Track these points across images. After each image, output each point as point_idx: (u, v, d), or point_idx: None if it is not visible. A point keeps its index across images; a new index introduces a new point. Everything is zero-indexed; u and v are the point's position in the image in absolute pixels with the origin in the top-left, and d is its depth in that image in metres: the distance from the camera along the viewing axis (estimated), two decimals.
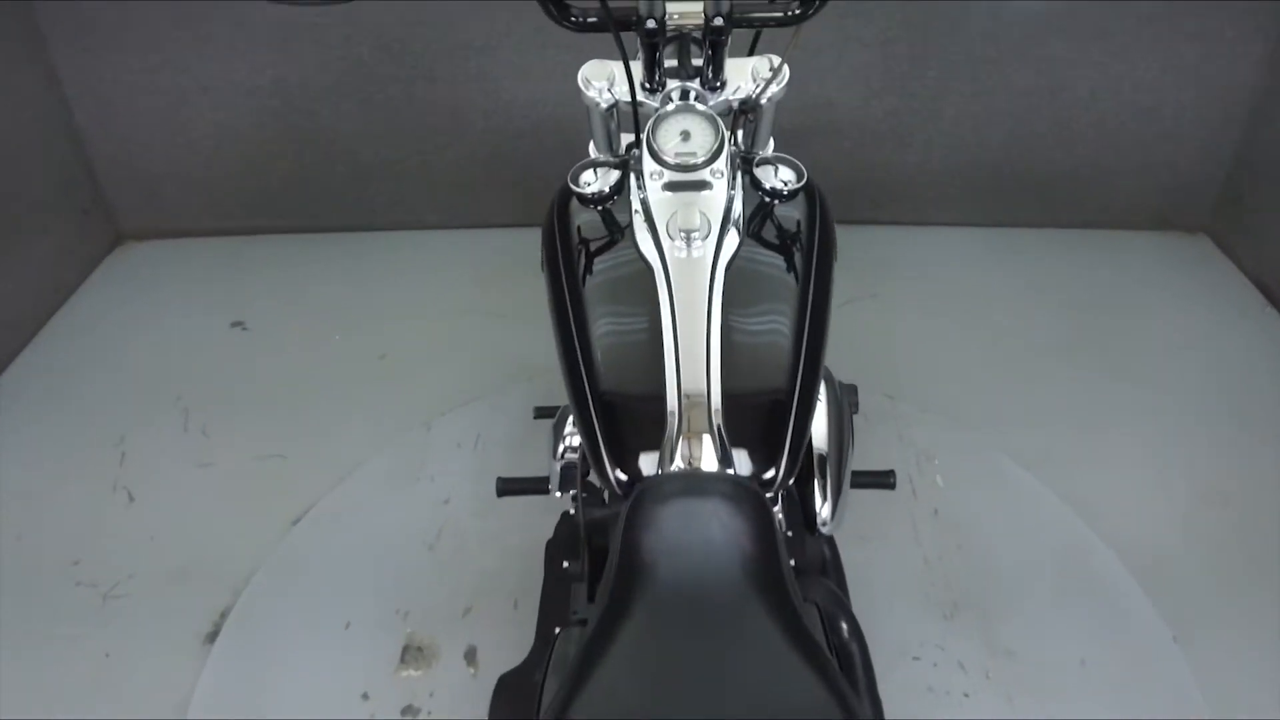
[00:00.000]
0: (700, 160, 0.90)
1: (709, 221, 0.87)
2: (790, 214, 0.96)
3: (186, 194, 2.51)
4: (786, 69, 1.00)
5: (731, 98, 1.03)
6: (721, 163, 0.91)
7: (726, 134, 0.93)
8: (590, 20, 0.99)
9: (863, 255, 2.38)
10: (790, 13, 0.99)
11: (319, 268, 2.43)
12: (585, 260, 0.93)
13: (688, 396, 0.78)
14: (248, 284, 2.36)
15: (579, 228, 0.96)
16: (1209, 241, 2.52)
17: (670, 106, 0.96)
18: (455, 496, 1.74)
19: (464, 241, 2.52)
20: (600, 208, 0.95)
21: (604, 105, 1.03)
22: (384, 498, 1.75)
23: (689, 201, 0.89)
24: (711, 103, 1.01)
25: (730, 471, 0.75)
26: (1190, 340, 2.18)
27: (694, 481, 0.74)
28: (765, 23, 0.99)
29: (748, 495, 0.73)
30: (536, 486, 1.36)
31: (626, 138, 1.13)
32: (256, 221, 2.55)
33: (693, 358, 0.79)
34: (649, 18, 0.93)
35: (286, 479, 1.78)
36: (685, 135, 0.93)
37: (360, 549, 1.64)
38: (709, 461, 0.75)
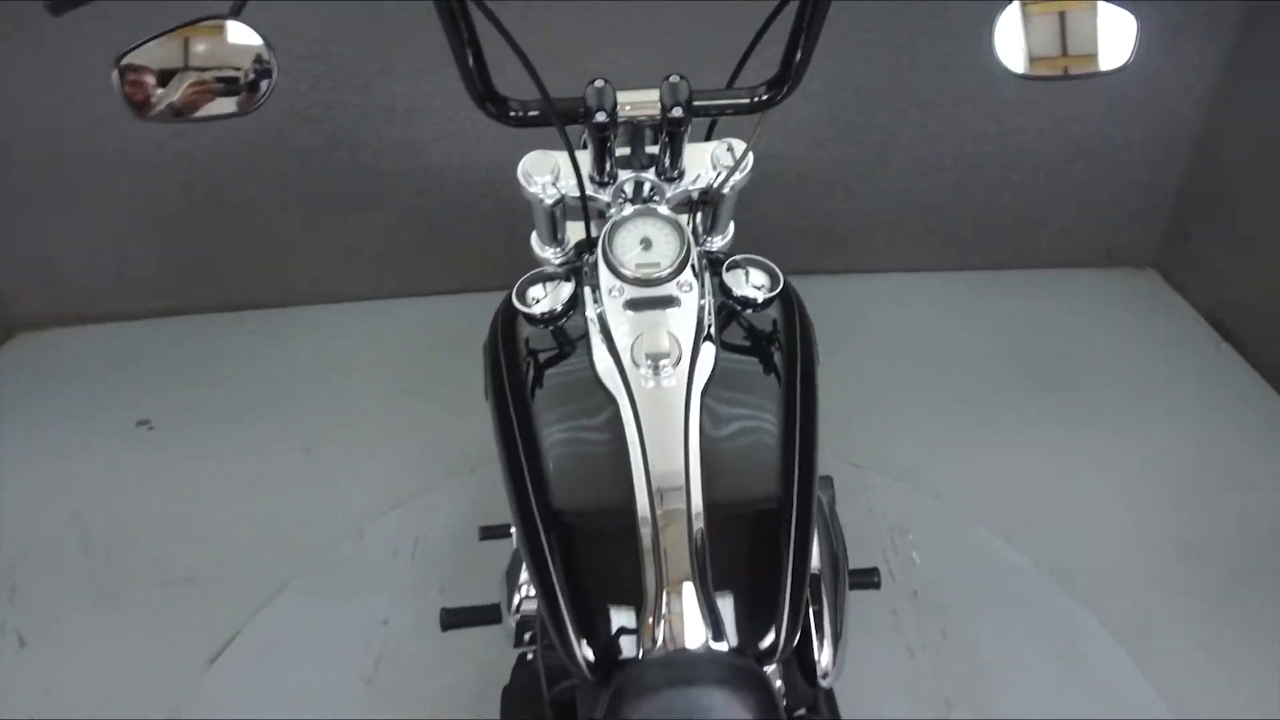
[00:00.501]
0: (665, 273, 0.79)
1: (679, 345, 0.76)
2: (766, 323, 0.85)
3: (88, 276, 2.31)
4: (750, 155, 0.90)
5: (691, 188, 0.92)
6: (689, 274, 0.80)
7: (692, 241, 0.82)
8: (532, 115, 0.87)
9: (815, 307, 2.26)
10: (756, 99, 0.89)
11: (235, 352, 2.24)
12: (537, 390, 0.81)
13: (666, 553, 0.67)
14: (155, 375, 2.16)
15: (528, 351, 0.84)
16: (1157, 276, 2.50)
17: (627, 210, 0.85)
18: (394, 616, 1.57)
19: (396, 313, 2.36)
20: (551, 327, 0.83)
21: (549, 202, 0.90)
22: (314, 622, 1.56)
23: (655, 322, 0.77)
24: (670, 195, 0.91)
25: (724, 647, 0.64)
26: (1149, 381, 2.13)
27: (683, 667, 0.63)
28: (729, 111, 0.88)
29: (747, 678, 0.62)
30: (487, 616, 1.21)
31: (575, 226, 1.02)
32: (165, 303, 2.36)
33: (671, 508, 0.68)
34: (599, 110, 0.81)
35: (202, 607, 1.59)
36: (646, 243, 0.82)
37: (288, 687, 1.46)
38: (696, 633, 0.64)
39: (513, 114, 0.87)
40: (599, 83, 0.84)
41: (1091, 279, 2.50)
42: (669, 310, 0.79)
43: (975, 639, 1.54)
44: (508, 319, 0.87)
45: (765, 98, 0.89)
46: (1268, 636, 1.54)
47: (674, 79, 0.84)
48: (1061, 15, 0.76)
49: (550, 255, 1.06)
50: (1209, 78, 2.17)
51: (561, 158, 0.92)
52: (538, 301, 0.83)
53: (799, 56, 0.87)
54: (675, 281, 0.80)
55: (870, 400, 2.06)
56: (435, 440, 1.92)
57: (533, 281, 0.85)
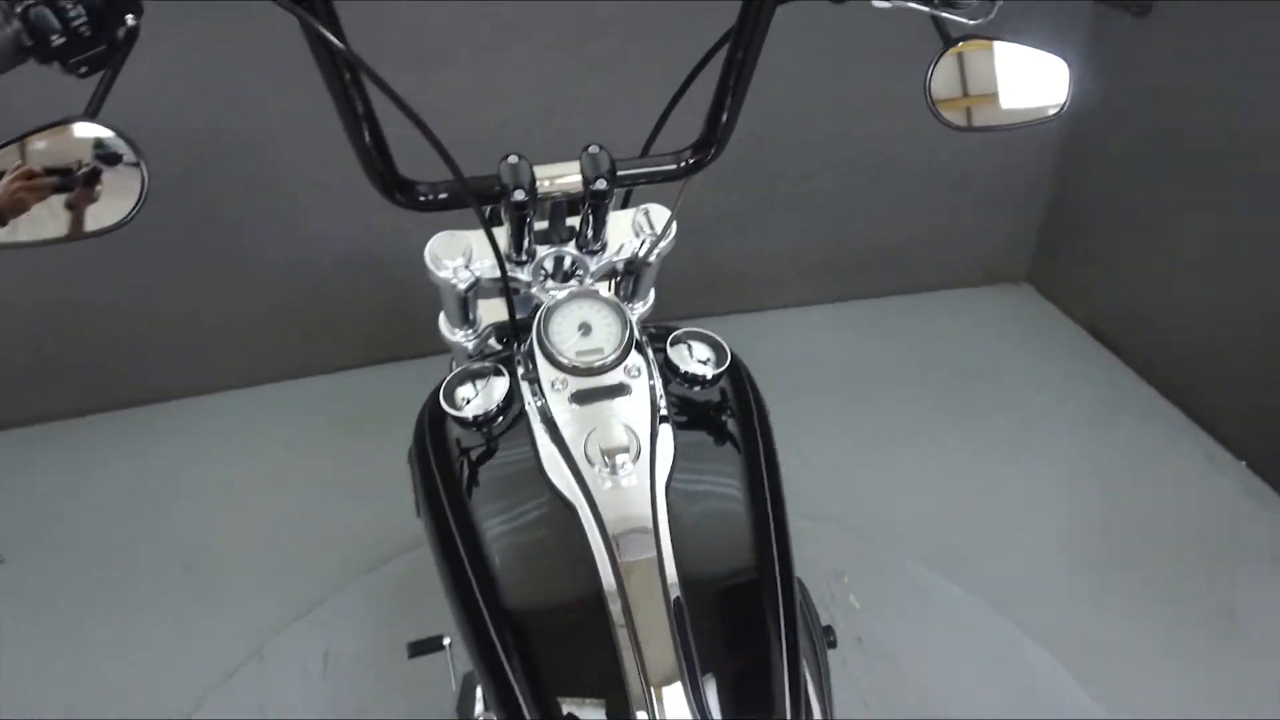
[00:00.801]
0: (610, 359, 0.73)
1: (636, 436, 0.69)
2: (717, 398, 0.80)
3: None
4: (674, 222, 0.84)
5: (615, 259, 0.86)
6: (635, 357, 0.74)
7: (634, 320, 0.76)
8: (441, 198, 0.79)
9: None
10: (683, 164, 0.83)
11: (97, 461, 2.00)
12: (480, 500, 0.72)
13: (648, 657, 0.61)
14: (2, 497, 1.91)
15: (463, 457, 0.75)
16: (1032, 290, 2.61)
17: (560, 293, 0.78)
18: None
19: (276, 399, 2.18)
20: (486, 429, 0.74)
21: (462, 287, 0.82)
22: None
23: (607, 415, 0.71)
24: (593, 269, 0.85)
25: None
26: (1041, 391, 2.21)
27: None
28: (656, 179, 0.83)
29: None
30: None
31: (487, 305, 0.95)
32: (10, 414, 2.10)
33: (648, 609, 0.62)
34: (516, 187, 0.74)
35: None
36: (584, 328, 0.76)
37: None
38: None
39: (423, 198, 0.79)
40: (513, 158, 0.77)
41: (972, 298, 2.59)
42: (619, 400, 0.72)
43: (928, 684, 1.51)
44: (435, 422, 0.78)
45: (691, 162, 0.84)
46: (1208, 630, 1.59)
47: (593, 149, 0.79)
48: (993, 67, 0.74)
49: (461, 339, 0.99)
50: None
51: (473, 237, 0.85)
52: (468, 402, 0.75)
53: (725, 117, 0.82)
54: (622, 367, 0.74)
55: (778, 437, 2.04)
56: (334, 536, 1.76)
57: (460, 380, 0.76)
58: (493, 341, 1.06)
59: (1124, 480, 1.93)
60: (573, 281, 0.88)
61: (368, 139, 0.72)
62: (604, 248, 0.88)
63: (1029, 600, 1.65)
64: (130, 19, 0.54)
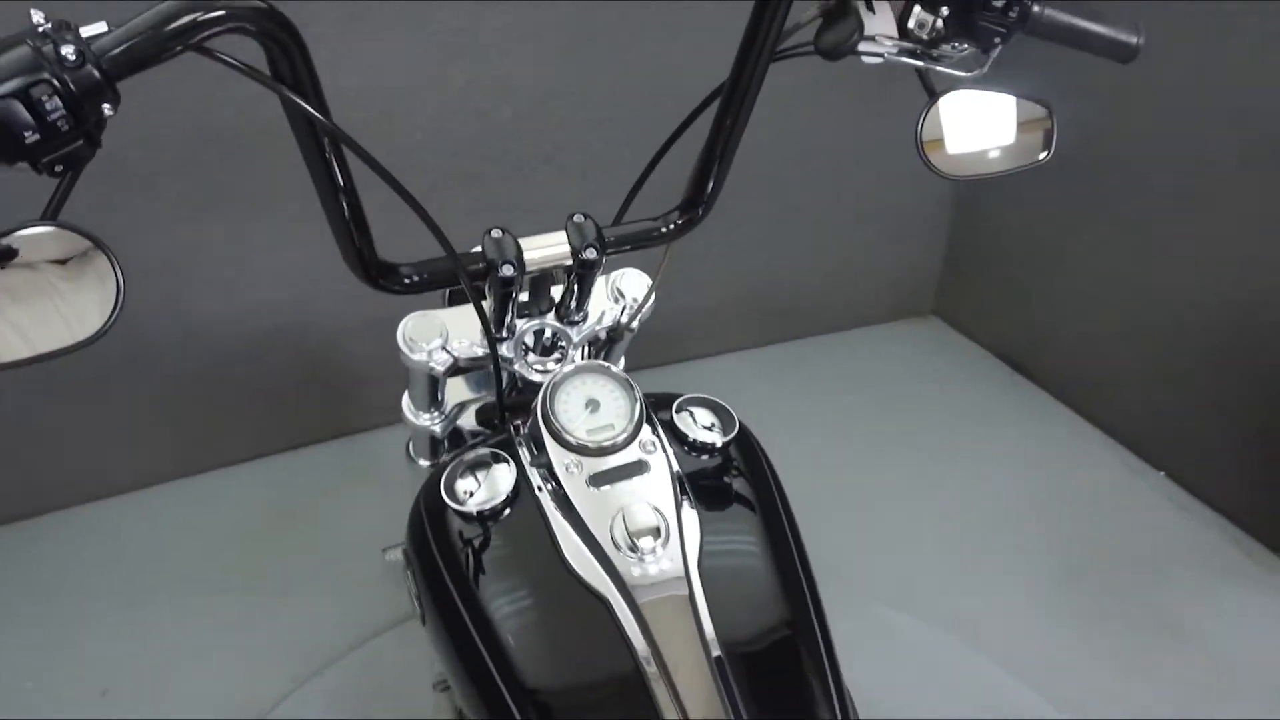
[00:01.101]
0: (623, 436, 0.70)
1: (663, 516, 0.66)
2: (729, 465, 0.77)
3: None
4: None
5: (597, 328, 0.84)
6: (648, 431, 0.71)
7: (640, 391, 0.73)
8: (425, 278, 0.74)
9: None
10: (670, 227, 0.81)
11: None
12: (497, 601, 0.67)
13: None
14: None
15: (471, 554, 0.69)
16: (940, 321, 2.71)
17: (567, 368, 0.75)
18: None
19: (185, 496, 2.00)
20: (495, 522, 0.70)
21: (441, 369, 0.78)
22: None
23: (629, 495, 0.67)
24: (576, 339, 0.83)
25: None
26: (963, 418, 2.28)
27: None
28: (644, 244, 0.80)
29: None
30: None
31: (455, 385, 0.92)
32: None
33: (704, 709, 0.59)
34: (504, 263, 0.71)
35: None
36: (592, 405, 0.72)
37: None
38: None
39: (408, 280, 0.74)
40: (496, 232, 0.74)
41: (883, 334, 2.66)
42: (639, 478, 0.69)
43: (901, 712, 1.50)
44: (436, 519, 0.72)
45: (679, 224, 0.82)
46: (1156, 637, 1.65)
47: (578, 218, 0.77)
48: (979, 115, 0.74)
49: (427, 421, 0.94)
50: None
51: (447, 317, 0.82)
52: (471, 495, 0.69)
53: (713, 177, 0.80)
54: (637, 443, 0.71)
55: None
56: (265, 643, 1.62)
57: (460, 471, 0.71)
58: (464, 422, 1.00)
59: (1052, 497, 1.99)
60: (555, 354, 0.84)
61: (348, 218, 0.67)
62: (585, 318, 0.85)
63: (986, 624, 1.67)
64: (107, 109, 0.47)
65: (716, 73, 0.77)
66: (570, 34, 1.86)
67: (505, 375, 0.81)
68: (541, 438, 0.71)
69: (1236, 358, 1.80)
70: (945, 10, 0.64)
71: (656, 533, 0.65)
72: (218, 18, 0.50)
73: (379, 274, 0.71)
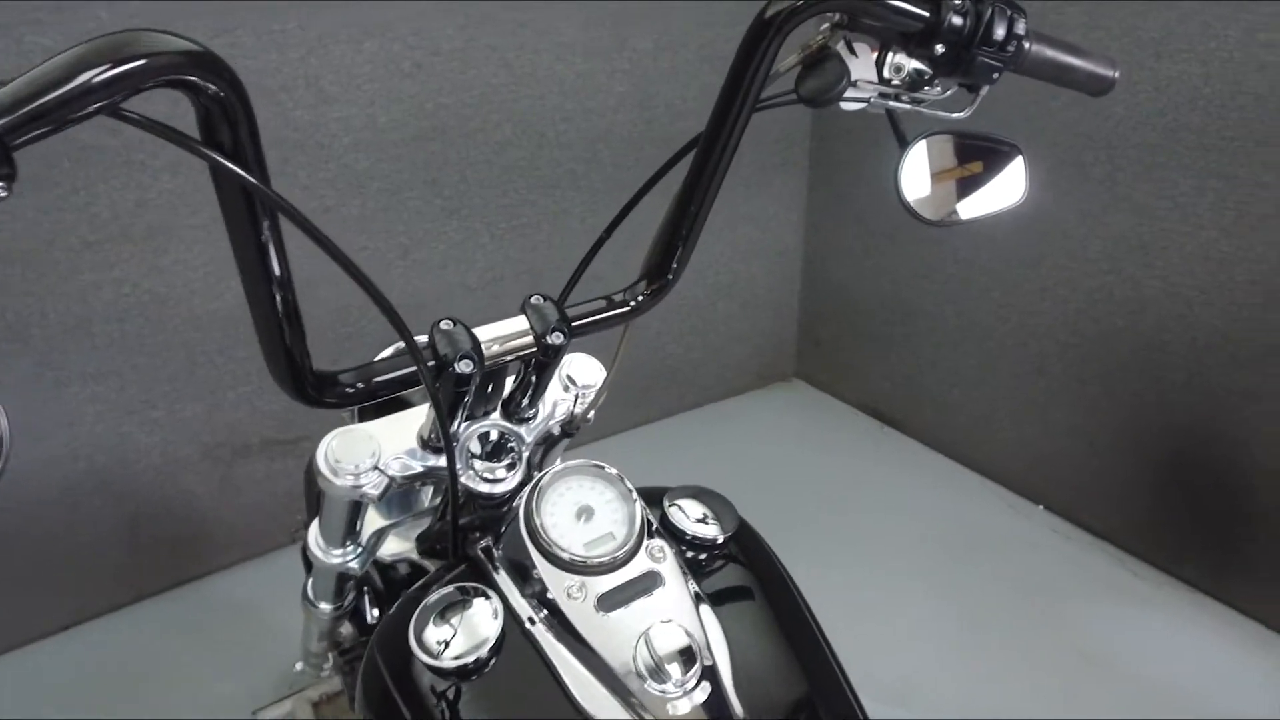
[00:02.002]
0: (627, 546, 0.61)
1: (691, 636, 0.57)
2: (736, 560, 0.70)
3: None
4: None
5: (551, 423, 0.75)
6: (658, 536, 0.63)
7: (633, 490, 0.65)
8: (372, 386, 0.62)
9: None
10: (638, 300, 0.72)
11: None
12: None
13: None
14: None
15: (454, 716, 0.57)
16: (803, 383, 2.76)
17: (555, 467, 0.65)
18: None
19: None
20: (482, 673, 0.57)
21: (375, 493, 0.66)
22: None
23: (648, 615, 0.58)
24: (529, 439, 0.73)
25: None
26: (838, 476, 2.30)
27: None
28: (612, 322, 0.72)
29: None
30: None
31: (374, 514, 0.80)
32: None
33: None
34: (461, 358, 0.60)
35: None
36: (585, 513, 0.63)
37: None
38: None
39: (351, 390, 0.61)
40: (446, 323, 0.63)
41: (750, 401, 2.67)
42: (656, 594, 0.60)
43: None
44: (400, 678, 0.59)
45: (646, 296, 0.74)
46: (1068, 668, 1.65)
47: (537, 300, 0.68)
48: (953, 160, 0.71)
49: (340, 558, 0.80)
50: (799, 207, 2.49)
51: (377, 431, 0.69)
52: (446, 644, 0.57)
53: (683, 244, 0.73)
54: (644, 551, 0.61)
55: None
56: None
57: (428, 616, 0.59)
58: (386, 553, 0.87)
59: (940, 544, 2.01)
60: (506, 459, 0.73)
61: (282, 316, 0.53)
62: (536, 414, 0.75)
63: (898, 677, 1.65)
64: (1, 189, 0.34)
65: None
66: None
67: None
68: (527, 560, 0.60)
69: (1091, 388, 1.92)
70: (940, 48, 0.60)
71: (685, 655, 0.55)
72: (139, 70, 0.38)
73: (316, 386, 0.57)
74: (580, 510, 0.63)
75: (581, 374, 0.79)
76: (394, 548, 0.88)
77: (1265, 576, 1.72)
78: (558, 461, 0.66)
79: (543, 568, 0.59)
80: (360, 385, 0.60)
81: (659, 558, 0.62)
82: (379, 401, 0.63)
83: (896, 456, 2.37)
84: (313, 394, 0.58)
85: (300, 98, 1.65)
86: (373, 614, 1.04)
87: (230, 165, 0.43)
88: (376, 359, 0.65)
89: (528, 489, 0.63)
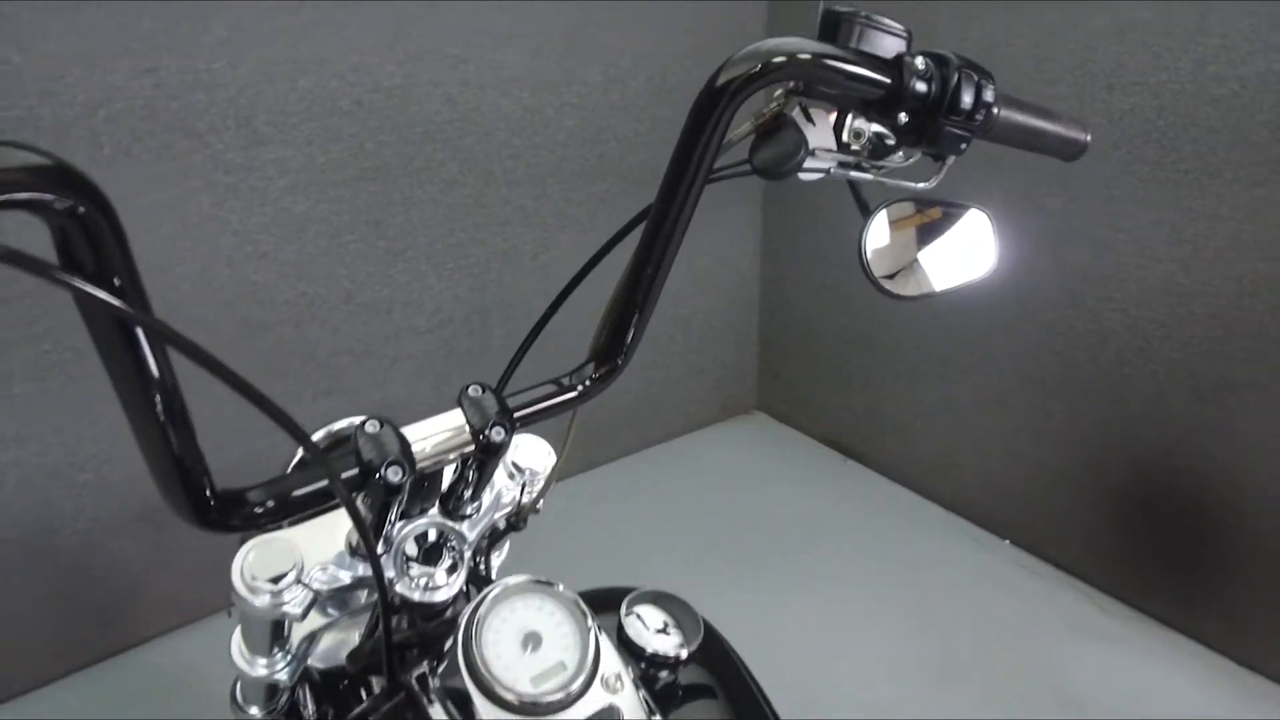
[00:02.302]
0: (581, 678, 0.54)
1: None
2: (702, 678, 0.66)
3: None
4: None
5: (496, 517, 0.68)
6: (610, 661, 0.56)
7: (587, 612, 0.58)
8: (283, 504, 0.55)
9: None
10: (586, 384, 0.66)
11: None
12: None
13: None
14: None
15: None
16: (765, 416, 2.71)
17: (495, 589, 0.58)
18: None
19: None
20: None
21: (298, 610, 0.59)
22: None
23: None
24: (471, 538, 0.65)
25: None
26: (802, 509, 2.25)
27: None
28: (556, 410, 0.66)
29: None
30: None
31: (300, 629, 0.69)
32: None
33: None
34: (390, 464, 0.53)
35: None
36: (531, 641, 0.56)
37: None
38: None
39: (260, 509, 0.54)
40: (372, 425, 0.56)
41: (714, 434, 2.62)
42: None
43: None
44: None
45: (594, 380, 0.68)
46: (1050, 704, 1.62)
47: (475, 391, 0.61)
48: (917, 229, 0.67)
49: (266, 670, 0.72)
50: (755, 234, 2.46)
51: (300, 538, 0.62)
52: None
53: (634, 324, 0.67)
54: (599, 682, 0.55)
55: None
56: None
57: None
58: (317, 662, 0.79)
59: (906, 579, 1.98)
60: (445, 561, 0.66)
61: (171, 438, 0.46)
62: (479, 508, 0.68)
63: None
64: None
65: None
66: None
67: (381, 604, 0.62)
68: (465, 696, 0.53)
69: (1054, 420, 1.90)
70: (904, 117, 0.55)
71: None
72: None
73: (220, 509, 0.50)
74: (526, 638, 0.56)
75: (529, 459, 0.73)
76: (330, 642, 0.80)
77: (1229, 610, 1.70)
78: (497, 585, 0.59)
79: (484, 709, 0.53)
80: (271, 504, 0.53)
81: (616, 688, 0.55)
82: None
83: (859, 490, 2.33)
84: (215, 518, 0.50)
85: (231, 139, 1.57)
86: (311, 709, 0.96)
87: (100, 293, 0.36)
88: (289, 469, 0.58)
89: (465, 614, 0.56)
